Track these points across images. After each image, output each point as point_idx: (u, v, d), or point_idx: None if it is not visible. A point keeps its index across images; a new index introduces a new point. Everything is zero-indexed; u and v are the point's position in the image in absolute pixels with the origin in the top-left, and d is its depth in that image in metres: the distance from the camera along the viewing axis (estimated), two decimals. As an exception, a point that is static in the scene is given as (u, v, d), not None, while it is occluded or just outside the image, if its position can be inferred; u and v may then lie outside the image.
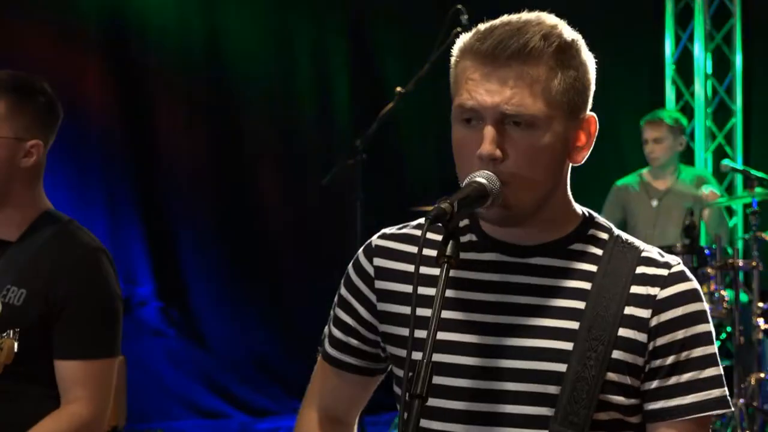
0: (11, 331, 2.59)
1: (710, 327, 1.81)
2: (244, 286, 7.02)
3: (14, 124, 2.76)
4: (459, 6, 5.11)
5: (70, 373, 2.73)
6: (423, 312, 1.69)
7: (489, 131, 1.72)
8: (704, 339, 1.79)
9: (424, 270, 1.78)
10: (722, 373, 1.81)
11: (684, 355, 1.77)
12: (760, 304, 5.61)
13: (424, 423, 1.79)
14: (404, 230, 1.94)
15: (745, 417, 5.31)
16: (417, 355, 1.63)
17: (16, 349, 2.55)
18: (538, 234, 1.82)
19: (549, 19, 1.78)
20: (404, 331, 1.85)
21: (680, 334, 1.77)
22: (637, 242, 1.85)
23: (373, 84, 7.30)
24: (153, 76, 6.82)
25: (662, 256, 1.83)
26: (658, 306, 1.78)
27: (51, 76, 6.65)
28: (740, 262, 5.54)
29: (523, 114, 1.72)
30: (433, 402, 1.76)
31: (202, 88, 7.01)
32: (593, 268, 1.80)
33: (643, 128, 6.38)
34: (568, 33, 1.78)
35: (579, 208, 1.87)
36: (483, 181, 1.72)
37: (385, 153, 6.89)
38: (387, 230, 1.96)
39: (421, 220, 1.93)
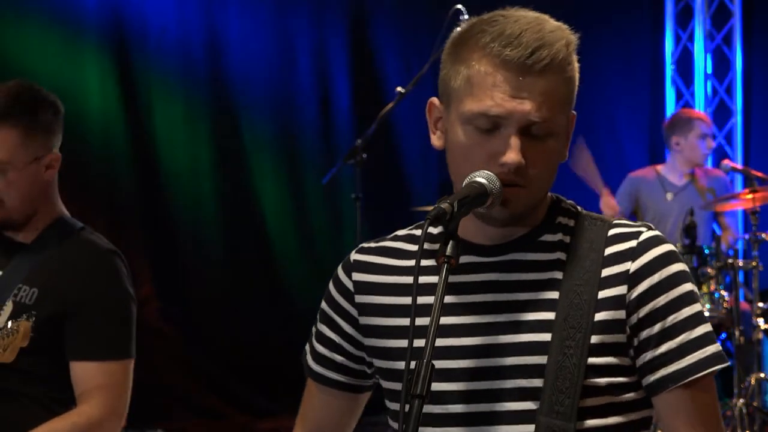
0: (25, 315, 2.62)
1: (692, 286, 1.78)
2: (244, 286, 7.01)
3: (31, 147, 2.76)
4: (459, 6, 5.11)
5: (85, 374, 2.74)
6: (403, 322, 1.73)
7: (516, 141, 1.72)
8: (687, 299, 1.77)
9: (407, 280, 1.81)
10: (712, 329, 1.79)
11: (670, 319, 1.76)
12: (760, 304, 5.61)
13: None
14: (381, 243, 1.94)
15: (745, 417, 5.30)
16: (400, 365, 1.63)
17: (31, 332, 2.57)
18: (509, 230, 1.82)
19: (554, 22, 1.77)
20: (389, 342, 1.86)
21: (662, 300, 1.76)
22: (605, 218, 1.84)
23: (373, 84, 7.30)
24: (153, 76, 6.82)
25: (630, 226, 1.82)
26: (632, 279, 1.76)
27: (51, 76, 6.65)
28: (740, 263, 5.54)
29: (549, 125, 1.73)
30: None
31: (202, 88, 7.00)
32: (563, 256, 1.80)
33: (698, 123, 6.27)
34: (573, 37, 1.79)
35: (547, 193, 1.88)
36: (483, 181, 1.71)
37: (385, 153, 6.89)
38: (365, 244, 1.96)
39: (399, 232, 1.94)
